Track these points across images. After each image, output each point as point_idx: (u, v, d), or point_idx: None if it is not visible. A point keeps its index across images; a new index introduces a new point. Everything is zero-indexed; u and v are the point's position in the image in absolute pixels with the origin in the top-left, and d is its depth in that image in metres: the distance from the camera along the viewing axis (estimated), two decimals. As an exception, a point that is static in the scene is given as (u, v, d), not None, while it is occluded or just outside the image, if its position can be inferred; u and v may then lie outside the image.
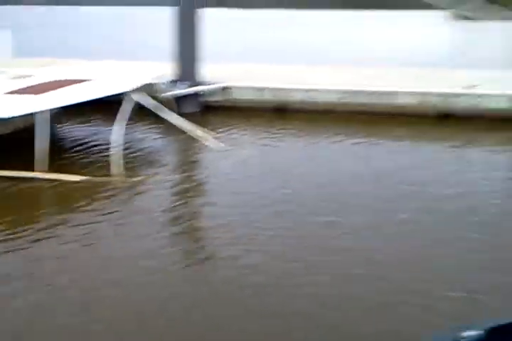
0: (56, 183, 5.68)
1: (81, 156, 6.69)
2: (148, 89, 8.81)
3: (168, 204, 5.25)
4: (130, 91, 6.79)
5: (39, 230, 4.57)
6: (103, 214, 4.95)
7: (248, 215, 4.86)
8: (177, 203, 5.33)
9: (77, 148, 7.09)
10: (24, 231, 4.55)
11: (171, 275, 3.90)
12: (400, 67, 10.83)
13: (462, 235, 4.41)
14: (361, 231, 4.51)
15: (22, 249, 4.26)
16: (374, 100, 8.65)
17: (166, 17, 9.04)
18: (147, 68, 8.83)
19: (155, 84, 8.56)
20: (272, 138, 7.55)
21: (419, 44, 17.39)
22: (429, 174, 5.99)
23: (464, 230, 4.53)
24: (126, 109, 6.58)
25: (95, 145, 7.10)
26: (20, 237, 4.43)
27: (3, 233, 4.51)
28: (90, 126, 8.26)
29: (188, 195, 5.62)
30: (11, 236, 4.44)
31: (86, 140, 7.46)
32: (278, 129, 7.96)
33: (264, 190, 5.42)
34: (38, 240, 4.41)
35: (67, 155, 6.75)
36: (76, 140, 7.51)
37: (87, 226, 4.67)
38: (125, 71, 8.10)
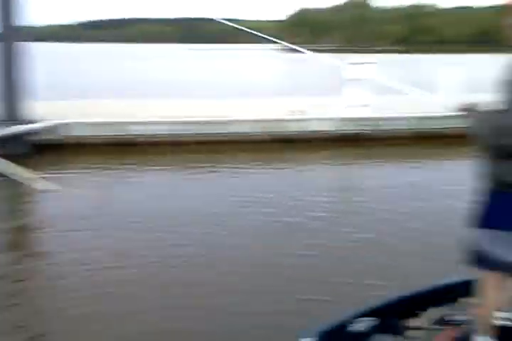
0: None
1: None
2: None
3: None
4: None
5: None
6: None
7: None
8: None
9: None
10: None
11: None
12: (235, 98, 11.37)
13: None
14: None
15: None
16: (207, 130, 8.90)
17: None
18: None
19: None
20: (108, 175, 7.28)
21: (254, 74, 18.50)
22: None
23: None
24: None
25: None
26: None
27: None
28: None
29: (15, 246, 5.09)
30: None
31: None
32: (114, 165, 7.71)
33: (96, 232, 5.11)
34: None
35: None
36: None
37: None
38: None
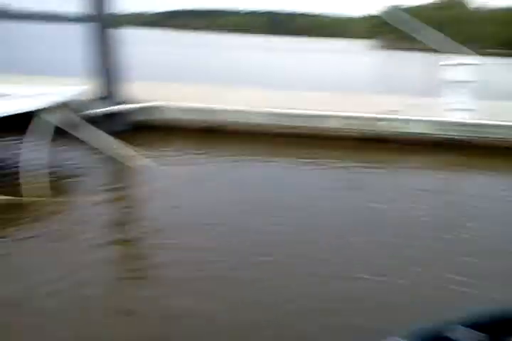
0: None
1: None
2: (68, 106, 8.45)
3: (91, 229, 4.90)
4: (46, 109, 6.43)
5: None
6: (17, 239, 4.54)
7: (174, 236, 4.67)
8: (101, 227, 5.01)
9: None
10: None
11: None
12: (325, 92, 11.15)
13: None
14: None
15: None
16: (300, 123, 8.78)
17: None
18: (69, 85, 8.45)
19: (76, 101, 8.22)
20: (200, 158, 7.41)
21: (344, 70, 18.15)
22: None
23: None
24: (38, 128, 6.21)
25: (9, 165, 6.63)
26: None
27: None
28: (6, 143, 7.75)
29: (113, 217, 5.31)
30: None
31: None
32: (206, 150, 7.85)
33: (193, 214, 5.23)
34: None
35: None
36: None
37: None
38: (41, 87, 7.70)
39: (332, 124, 8.80)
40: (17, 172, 6.15)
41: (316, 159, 7.56)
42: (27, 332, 3.28)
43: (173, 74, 14.97)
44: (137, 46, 15.87)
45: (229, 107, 8.95)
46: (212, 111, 8.88)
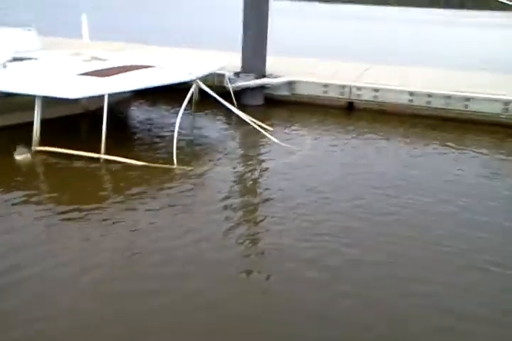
0: (119, 166, 5.71)
1: (145, 141, 6.74)
2: (213, 78, 8.81)
3: (228, 195, 5.12)
4: (195, 80, 6.77)
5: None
6: (160, 203, 4.91)
7: (303, 210, 4.71)
8: (236, 195, 5.21)
9: (143, 133, 7.17)
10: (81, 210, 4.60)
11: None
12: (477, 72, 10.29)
13: None
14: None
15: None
16: (444, 105, 8.22)
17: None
18: (214, 57, 8.79)
19: (220, 74, 8.54)
20: (335, 137, 7.31)
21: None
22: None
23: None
24: (190, 97, 6.56)
25: (159, 132, 7.14)
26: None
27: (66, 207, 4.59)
28: (158, 111, 8.37)
29: (247, 187, 5.50)
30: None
31: (152, 125, 7.55)
32: (342, 128, 7.73)
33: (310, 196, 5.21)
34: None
35: (132, 139, 6.83)
36: (143, 124, 7.61)
37: (145, 212, 4.66)
38: (192, 59, 8.11)
39: (481, 108, 8.10)
40: (167, 139, 6.60)
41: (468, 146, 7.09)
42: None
43: (321, 48, 14.86)
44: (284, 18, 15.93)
45: (368, 84, 8.68)
46: (351, 88, 8.67)
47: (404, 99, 8.41)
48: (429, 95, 8.26)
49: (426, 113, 8.28)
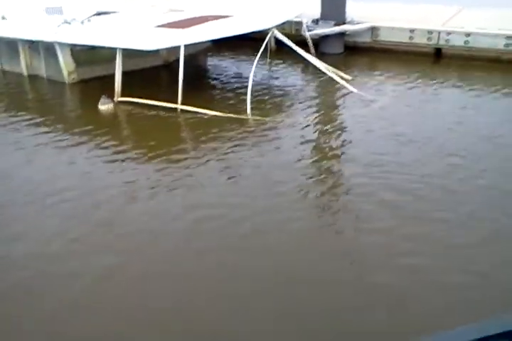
0: (194, 116, 5.82)
1: (221, 91, 6.77)
2: (291, 26, 8.55)
3: (302, 144, 5.07)
4: (271, 29, 6.60)
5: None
6: (233, 152, 4.97)
7: (380, 163, 4.57)
8: (311, 146, 5.14)
9: (220, 83, 7.19)
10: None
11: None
12: None
13: None
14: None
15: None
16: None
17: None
18: (291, 4, 8.48)
19: (298, 22, 8.26)
20: (419, 86, 6.89)
21: None
22: None
23: None
24: (266, 47, 6.44)
25: (235, 82, 7.13)
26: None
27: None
28: (235, 61, 8.33)
29: (322, 137, 5.39)
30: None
31: (229, 75, 7.54)
32: (429, 77, 7.25)
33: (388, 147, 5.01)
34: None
35: (209, 89, 6.89)
36: (220, 74, 7.63)
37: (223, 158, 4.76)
38: (269, 7, 7.88)
39: None
40: (243, 89, 6.58)
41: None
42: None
43: None
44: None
45: (457, 29, 8.01)
46: (438, 34, 8.06)
47: (499, 44, 7.70)
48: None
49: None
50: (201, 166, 4.67)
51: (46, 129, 5.60)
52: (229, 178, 4.47)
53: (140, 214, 3.90)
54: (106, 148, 5.11)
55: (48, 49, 6.93)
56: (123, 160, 4.83)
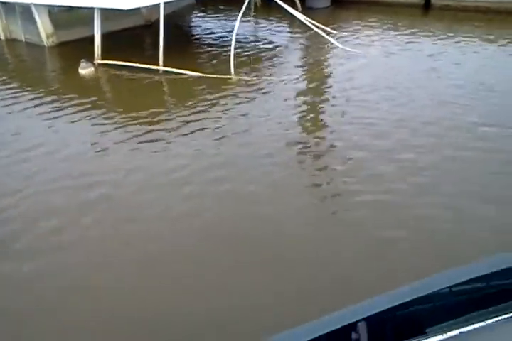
0: (177, 77, 5.70)
1: (205, 51, 6.61)
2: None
3: (290, 107, 5.00)
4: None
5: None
6: (222, 111, 4.89)
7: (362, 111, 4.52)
8: (297, 100, 5.07)
9: (203, 42, 7.01)
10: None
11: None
12: None
13: None
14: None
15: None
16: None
17: None
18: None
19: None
20: (408, 40, 6.72)
21: None
22: None
23: None
24: (249, 3, 6.22)
25: (219, 40, 6.96)
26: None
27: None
28: (220, 18, 8.08)
29: (308, 95, 5.30)
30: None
31: (213, 34, 7.34)
32: (416, 30, 7.07)
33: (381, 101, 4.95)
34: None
35: (193, 49, 6.72)
36: (204, 33, 7.43)
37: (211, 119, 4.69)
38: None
39: None
40: (227, 48, 6.41)
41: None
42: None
43: None
44: None
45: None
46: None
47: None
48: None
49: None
50: (183, 127, 4.58)
51: (25, 93, 5.48)
52: (216, 139, 4.40)
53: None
54: (83, 110, 5.01)
55: (24, 12, 6.69)
56: (94, 122, 4.75)
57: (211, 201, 3.47)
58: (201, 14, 8.32)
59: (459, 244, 2.91)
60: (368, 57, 6.04)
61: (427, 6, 7.94)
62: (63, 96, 5.38)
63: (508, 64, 5.85)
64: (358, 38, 6.80)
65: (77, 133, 4.60)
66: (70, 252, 3.03)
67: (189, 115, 4.87)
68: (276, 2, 6.51)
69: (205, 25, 7.82)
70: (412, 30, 7.01)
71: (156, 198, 3.53)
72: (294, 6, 7.34)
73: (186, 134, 4.49)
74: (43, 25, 6.67)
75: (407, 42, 6.58)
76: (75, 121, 4.84)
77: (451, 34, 6.81)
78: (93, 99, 5.29)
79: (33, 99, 5.36)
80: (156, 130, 4.59)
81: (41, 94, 5.48)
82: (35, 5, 6.40)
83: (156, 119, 4.80)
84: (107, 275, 2.84)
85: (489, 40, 6.52)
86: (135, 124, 4.72)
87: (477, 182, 3.51)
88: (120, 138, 4.46)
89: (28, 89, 5.65)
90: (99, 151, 4.24)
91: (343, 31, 7.02)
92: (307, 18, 6.78)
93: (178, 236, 3.14)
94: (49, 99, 5.36)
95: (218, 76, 5.63)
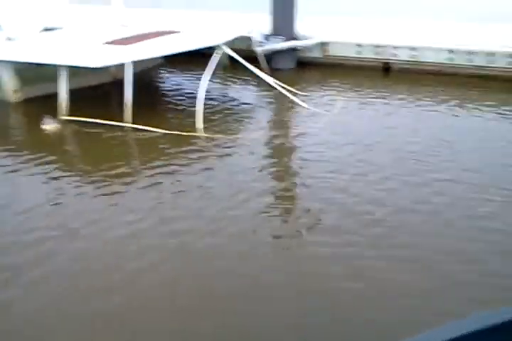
0: (143, 134, 5.71)
1: (172, 108, 6.69)
2: (242, 42, 8.58)
3: (256, 164, 5.02)
4: (221, 45, 6.59)
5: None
6: (176, 170, 4.87)
7: (334, 177, 4.57)
8: (266, 163, 5.09)
9: (170, 100, 7.10)
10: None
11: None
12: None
13: None
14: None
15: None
16: (491, 62, 7.68)
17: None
18: (241, 20, 8.55)
19: (248, 37, 8.29)
20: (369, 101, 6.98)
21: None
22: None
23: None
24: (215, 62, 6.41)
25: (186, 98, 7.08)
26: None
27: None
28: (188, 77, 8.26)
29: (277, 155, 5.38)
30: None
31: (180, 91, 7.47)
32: (376, 91, 7.37)
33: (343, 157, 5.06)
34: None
35: (160, 106, 6.80)
36: (171, 91, 7.56)
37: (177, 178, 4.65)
38: (218, 23, 7.91)
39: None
40: (194, 106, 6.50)
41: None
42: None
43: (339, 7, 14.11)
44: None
45: (398, 43, 8.21)
46: (381, 47, 8.24)
47: (443, 58, 7.94)
48: (470, 53, 7.75)
49: (467, 72, 7.79)
50: (141, 181, 4.55)
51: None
52: (174, 193, 4.36)
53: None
54: (41, 164, 4.93)
55: (-10, 68, 6.71)
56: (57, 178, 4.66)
57: (168, 254, 3.38)
58: (170, 72, 8.51)
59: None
60: (330, 116, 6.22)
61: (387, 69, 8.32)
62: (23, 152, 5.30)
63: (465, 122, 6.12)
64: (321, 97, 7.03)
65: (32, 188, 4.50)
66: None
67: (149, 169, 4.85)
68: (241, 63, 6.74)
69: (174, 83, 7.99)
70: (373, 91, 7.31)
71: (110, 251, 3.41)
72: (259, 66, 7.59)
73: (145, 187, 4.46)
74: (9, 82, 6.69)
75: (367, 102, 6.84)
76: (31, 175, 4.75)
77: (410, 95, 7.12)
78: (53, 154, 5.22)
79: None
80: (115, 184, 4.54)
81: (1, 148, 5.40)
82: (1, 61, 6.45)
83: (114, 172, 4.75)
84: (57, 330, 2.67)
85: (445, 100, 6.85)
86: (93, 178, 4.66)
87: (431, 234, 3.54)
88: (76, 191, 4.39)
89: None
90: (54, 205, 4.14)
91: (307, 91, 7.24)
92: (273, 79, 7.01)
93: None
94: (5, 154, 5.28)
95: (184, 133, 5.67)
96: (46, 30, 7.59)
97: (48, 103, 6.38)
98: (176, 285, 3.16)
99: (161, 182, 4.55)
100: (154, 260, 3.38)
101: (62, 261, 3.37)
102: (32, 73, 6.71)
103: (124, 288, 3.13)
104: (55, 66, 6.05)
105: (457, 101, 6.82)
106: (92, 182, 4.60)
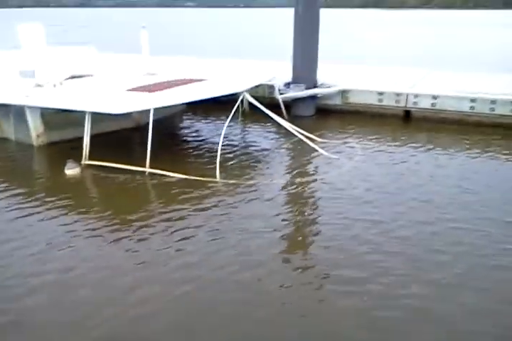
0: (163, 179, 5.73)
1: (192, 154, 6.73)
2: (264, 89, 8.74)
3: (272, 211, 4.96)
4: (242, 92, 6.71)
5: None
6: (206, 217, 4.83)
7: (351, 229, 4.47)
8: (282, 210, 5.03)
9: (191, 146, 7.16)
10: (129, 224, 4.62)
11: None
12: None
13: None
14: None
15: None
16: (510, 111, 7.64)
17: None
18: (263, 69, 8.74)
19: (270, 85, 8.46)
20: (389, 149, 6.93)
21: None
22: None
23: None
24: (237, 109, 6.50)
25: (207, 144, 7.14)
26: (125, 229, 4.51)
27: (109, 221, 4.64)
28: (209, 123, 8.38)
29: (294, 202, 5.31)
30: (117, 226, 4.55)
31: (201, 137, 7.55)
32: (398, 139, 7.34)
33: (358, 204, 4.98)
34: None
35: (180, 152, 6.85)
36: (192, 137, 7.63)
37: (189, 229, 4.61)
38: (241, 71, 8.10)
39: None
40: (214, 152, 6.55)
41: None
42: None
43: (356, 56, 14.42)
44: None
45: (419, 91, 8.25)
46: (400, 95, 8.28)
47: (465, 107, 7.92)
48: (493, 101, 7.72)
49: (489, 121, 7.75)
50: (163, 231, 4.52)
51: (7, 194, 5.44)
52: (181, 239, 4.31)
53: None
54: (58, 208, 4.96)
55: (18, 112, 6.93)
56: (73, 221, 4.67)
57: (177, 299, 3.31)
58: (191, 118, 8.65)
59: None
60: (349, 164, 6.17)
61: (407, 116, 8.33)
62: (43, 194, 5.35)
63: (485, 170, 6.00)
64: (340, 145, 7.01)
65: (47, 231, 4.51)
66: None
67: (166, 214, 4.83)
68: (261, 109, 6.82)
69: (194, 128, 8.09)
70: (393, 139, 7.27)
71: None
72: (280, 113, 7.68)
73: (158, 233, 4.43)
74: (34, 126, 6.87)
75: (386, 150, 6.79)
76: (49, 219, 4.76)
77: (430, 143, 7.06)
78: (71, 198, 5.26)
79: (14, 196, 5.33)
80: (129, 229, 4.51)
81: (22, 191, 5.47)
82: (29, 107, 6.65)
83: (132, 218, 4.74)
84: None
85: (467, 148, 6.76)
86: (109, 222, 4.65)
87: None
88: (89, 234, 4.41)
89: (12, 187, 5.63)
90: (61, 250, 4.16)
91: (326, 139, 7.25)
92: (292, 126, 7.06)
93: None
94: (25, 196, 5.33)
95: (203, 178, 5.68)
96: (73, 77, 7.87)
97: (71, 147, 6.52)
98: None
99: (178, 229, 4.51)
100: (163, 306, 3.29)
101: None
102: (57, 118, 6.91)
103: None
104: (79, 112, 6.21)
105: (478, 150, 6.73)
106: (105, 226, 4.60)
